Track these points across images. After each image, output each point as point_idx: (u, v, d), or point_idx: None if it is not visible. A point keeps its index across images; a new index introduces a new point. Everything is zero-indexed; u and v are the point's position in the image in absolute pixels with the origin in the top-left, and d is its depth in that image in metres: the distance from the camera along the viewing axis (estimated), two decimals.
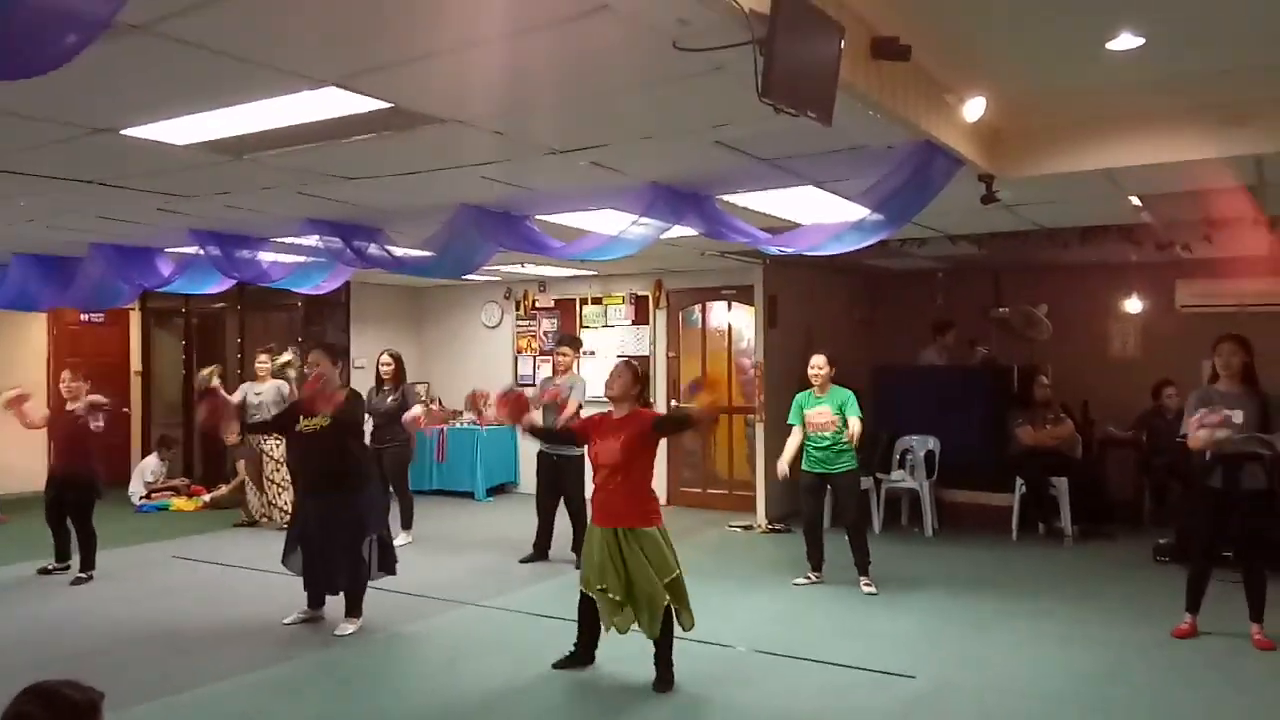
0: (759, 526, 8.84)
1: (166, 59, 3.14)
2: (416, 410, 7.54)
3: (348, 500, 5.50)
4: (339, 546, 5.50)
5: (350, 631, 5.47)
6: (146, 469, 10.37)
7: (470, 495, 10.58)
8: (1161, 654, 5.08)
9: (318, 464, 5.54)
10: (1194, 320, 8.98)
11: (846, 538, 6.52)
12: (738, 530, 8.79)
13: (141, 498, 10.08)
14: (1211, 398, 5.11)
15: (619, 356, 10.41)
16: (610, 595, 4.56)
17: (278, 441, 8.72)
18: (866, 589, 6.37)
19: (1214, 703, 4.43)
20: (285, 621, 5.64)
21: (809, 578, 6.62)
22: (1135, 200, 5.82)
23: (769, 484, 8.92)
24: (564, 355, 7.56)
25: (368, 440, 7.67)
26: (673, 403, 10.21)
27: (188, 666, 4.96)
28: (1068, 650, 5.17)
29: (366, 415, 6.79)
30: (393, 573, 5.80)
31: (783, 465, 6.55)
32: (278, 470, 8.82)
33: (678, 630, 4.63)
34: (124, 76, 3.36)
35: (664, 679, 4.60)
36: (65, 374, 7.09)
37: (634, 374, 4.76)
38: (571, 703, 4.50)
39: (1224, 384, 5.15)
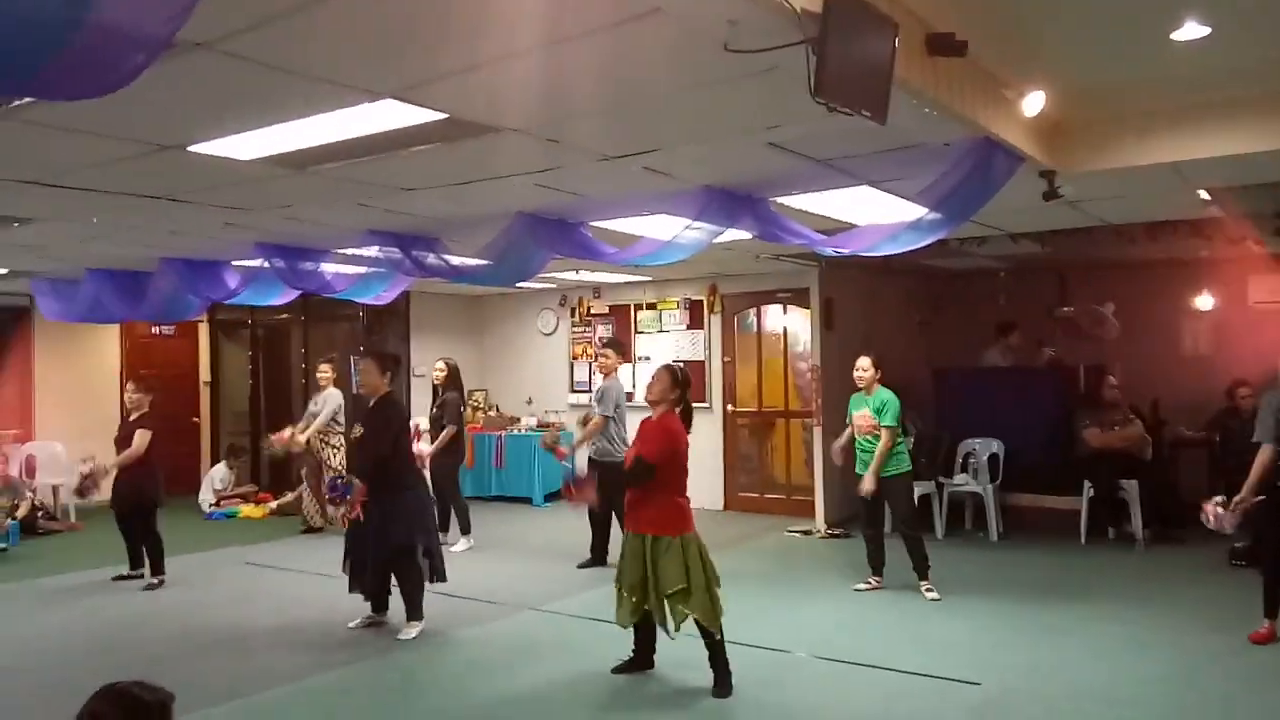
0: (818, 531, 8.75)
1: (229, 76, 3.23)
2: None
3: (387, 507, 5.52)
4: (384, 551, 5.56)
5: (413, 635, 5.53)
6: (215, 477, 10.64)
7: (529, 501, 10.65)
8: (1236, 660, 4.92)
9: (360, 471, 5.69)
10: (1268, 317, 8.68)
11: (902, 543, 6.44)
12: (797, 535, 8.71)
13: (211, 505, 10.35)
14: None
15: (675, 361, 10.44)
16: (629, 596, 4.61)
17: (335, 450, 8.93)
18: (929, 594, 6.28)
19: None
20: (350, 626, 5.73)
21: (869, 582, 6.54)
22: (1204, 194, 5.65)
23: (828, 488, 8.83)
24: (606, 358, 7.56)
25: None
26: (729, 407, 10.18)
27: (255, 670, 5.07)
28: (1139, 656, 5.03)
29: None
30: (443, 579, 5.83)
31: (835, 446, 6.70)
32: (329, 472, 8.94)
33: (732, 633, 4.59)
34: (189, 94, 3.46)
35: (720, 683, 4.57)
36: (130, 385, 7.27)
37: (673, 378, 4.74)
38: (628, 706, 4.50)
39: None
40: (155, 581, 6.96)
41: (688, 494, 4.72)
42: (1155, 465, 8.42)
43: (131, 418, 7.05)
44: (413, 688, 4.82)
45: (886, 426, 6.28)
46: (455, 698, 4.63)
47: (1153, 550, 7.71)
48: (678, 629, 4.55)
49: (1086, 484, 8.08)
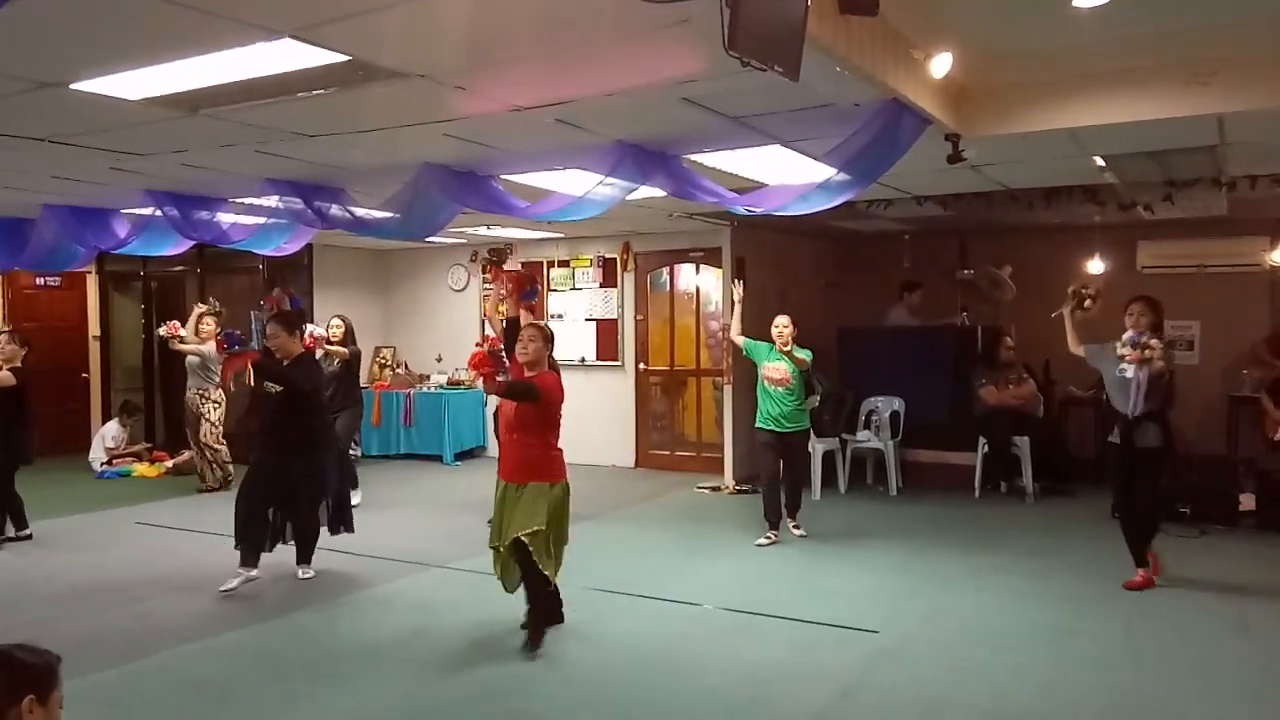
0: (727, 488, 8.90)
1: (115, 7, 3.04)
2: None
3: (307, 461, 5.63)
4: (297, 502, 5.67)
5: (310, 575, 5.79)
6: (107, 435, 10.23)
7: (439, 459, 10.55)
8: (1115, 604, 5.21)
9: (275, 426, 5.66)
10: (1155, 281, 9.08)
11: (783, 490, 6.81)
12: (706, 491, 8.85)
13: (103, 464, 9.96)
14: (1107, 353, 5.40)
15: (587, 320, 10.42)
16: (499, 548, 4.67)
17: (216, 404, 8.82)
18: (796, 531, 6.81)
19: (1171, 652, 4.55)
20: (223, 589, 5.47)
21: (769, 537, 6.69)
22: (1099, 160, 5.85)
23: (736, 445, 8.97)
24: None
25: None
26: (641, 365, 10.22)
27: (152, 631, 4.93)
28: (1027, 603, 5.28)
29: None
30: (350, 530, 6.05)
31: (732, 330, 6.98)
32: (213, 431, 8.84)
33: (644, 588, 4.65)
34: (71, 27, 3.25)
35: (531, 638, 4.61)
36: (1, 336, 6.90)
37: (545, 338, 4.75)
38: (539, 659, 4.52)
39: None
40: (15, 536, 6.84)
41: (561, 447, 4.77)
42: (1046, 422, 8.79)
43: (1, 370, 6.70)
44: (315, 646, 4.74)
45: (806, 359, 6.55)
46: (357, 655, 4.58)
47: (1042, 503, 8.08)
48: (517, 577, 4.66)
49: (981, 440, 8.39)
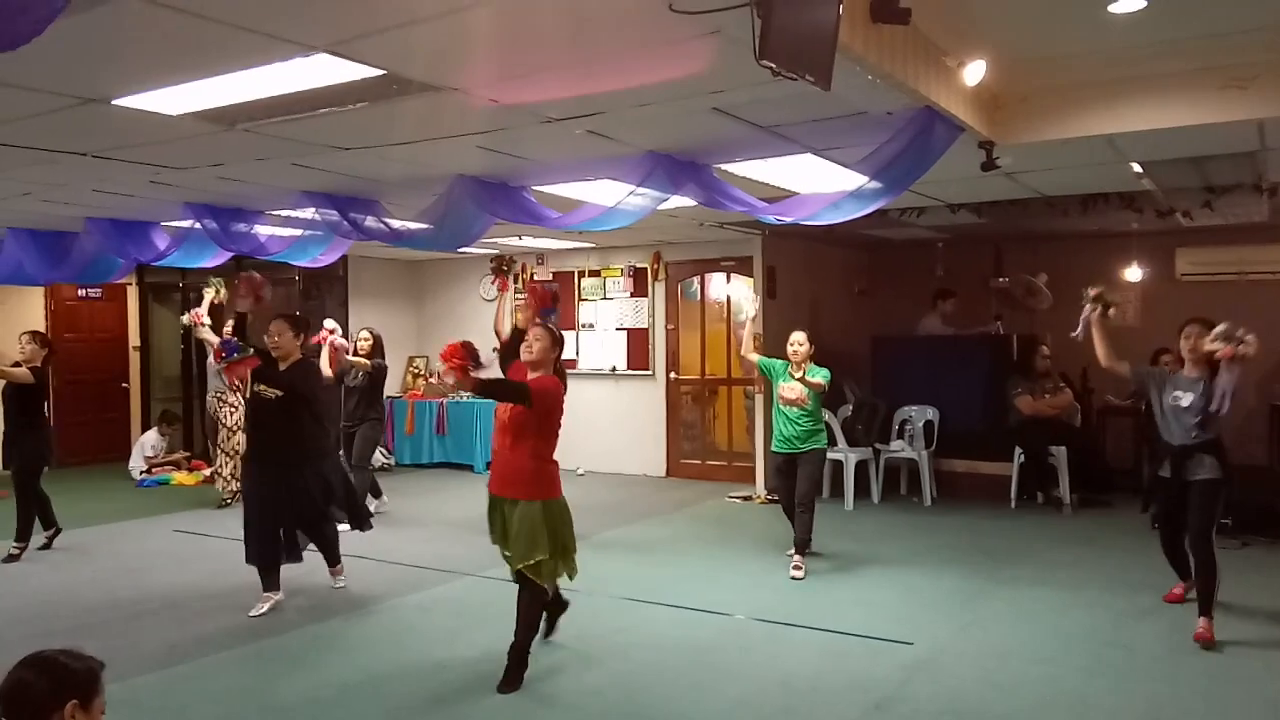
0: (758, 497, 8.86)
1: (156, 25, 3.10)
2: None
3: (307, 472, 5.39)
4: (306, 514, 5.49)
5: (343, 584, 5.78)
6: (146, 444, 10.39)
7: (470, 468, 10.60)
8: (1153, 618, 5.12)
9: (271, 434, 5.35)
10: (1194, 289, 8.96)
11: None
12: (737, 501, 8.81)
13: (142, 472, 10.11)
14: (1163, 381, 5.03)
15: (618, 329, 10.45)
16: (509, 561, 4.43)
17: (233, 409, 8.63)
18: (795, 572, 6.04)
19: (1209, 666, 4.46)
20: (251, 614, 5.30)
21: (796, 565, 6.17)
22: (1136, 167, 5.78)
23: (768, 455, 8.93)
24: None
25: (346, 418, 7.71)
26: (671, 375, 10.21)
27: (188, 637, 4.99)
28: (1063, 616, 5.20)
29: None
30: (369, 527, 6.15)
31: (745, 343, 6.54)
32: (230, 438, 8.58)
33: (674, 598, 4.60)
34: (113, 45, 3.33)
35: (509, 678, 4.24)
36: (24, 336, 6.82)
37: (552, 338, 4.41)
38: (560, 670, 4.52)
39: (1187, 368, 4.96)
40: (15, 551, 6.70)
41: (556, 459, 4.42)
42: (1084, 432, 8.67)
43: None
44: (349, 652, 4.78)
45: (822, 382, 6.14)
46: (392, 663, 4.61)
47: (1079, 514, 7.96)
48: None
49: (1017, 450, 8.29)
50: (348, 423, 7.73)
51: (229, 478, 8.60)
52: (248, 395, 5.60)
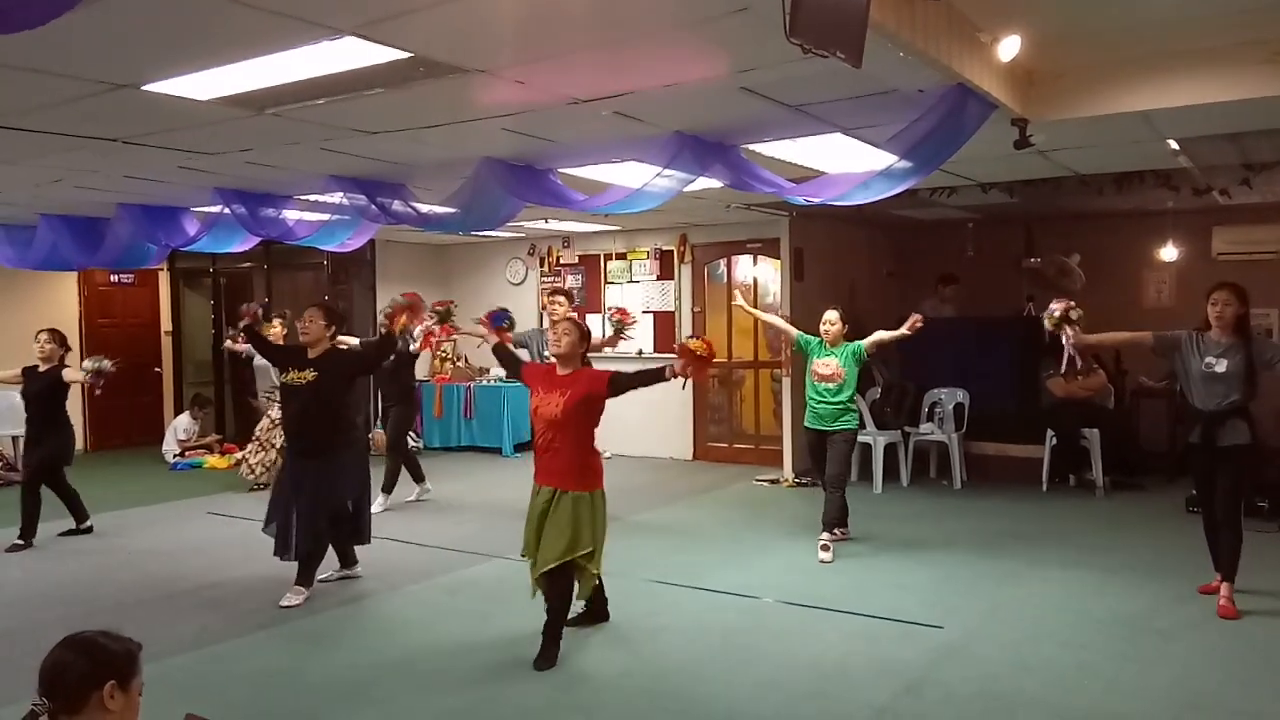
0: (786, 480, 8.84)
1: (185, 10, 3.11)
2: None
3: (329, 466, 5.31)
4: (312, 510, 5.31)
5: (296, 603, 5.21)
6: (179, 428, 10.52)
7: (498, 451, 10.64)
8: (1187, 605, 5.04)
9: (300, 421, 5.36)
10: (1231, 268, 8.79)
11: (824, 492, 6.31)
12: (765, 484, 8.79)
13: (175, 456, 10.24)
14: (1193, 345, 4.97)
15: (644, 312, 10.42)
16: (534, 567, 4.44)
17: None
18: (823, 554, 6.02)
19: (1243, 652, 4.40)
20: (282, 605, 5.24)
21: (834, 533, 6.34)
22: (1173, 144, 5.66)
23: (795, 437, 8.90)
24: (559, 305, 7.14)
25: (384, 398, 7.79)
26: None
27: (223, 619, 5.06)
28: (1096, 600, 5.15)
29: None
30: (365, 541, 5.70)
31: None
32: (272, 428, 8.52)
33: (702, 581, 4.60)
34: (142, 29, 3.34)
35: (545, 654, 4.31)
36: (43, 334, 6.70)
37: (581, 333, 4.48)
38: (595, 647, 4.54)
39: (1215, 333, 4.93)
40: (20, 543, 6.62)
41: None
42: (1117, 414, 8.56)
43: (41, 369, 6.64)
44: (380, 633, 4.83)
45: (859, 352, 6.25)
46: (423, 644, 4.64)
47: (1112, 497, 7.87)
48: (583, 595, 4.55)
49: (1049, 432, 8.20)
50: (386, 403, 7.87)
51: (254, 466, 8.61)
52: (279, 383, 5.55)
